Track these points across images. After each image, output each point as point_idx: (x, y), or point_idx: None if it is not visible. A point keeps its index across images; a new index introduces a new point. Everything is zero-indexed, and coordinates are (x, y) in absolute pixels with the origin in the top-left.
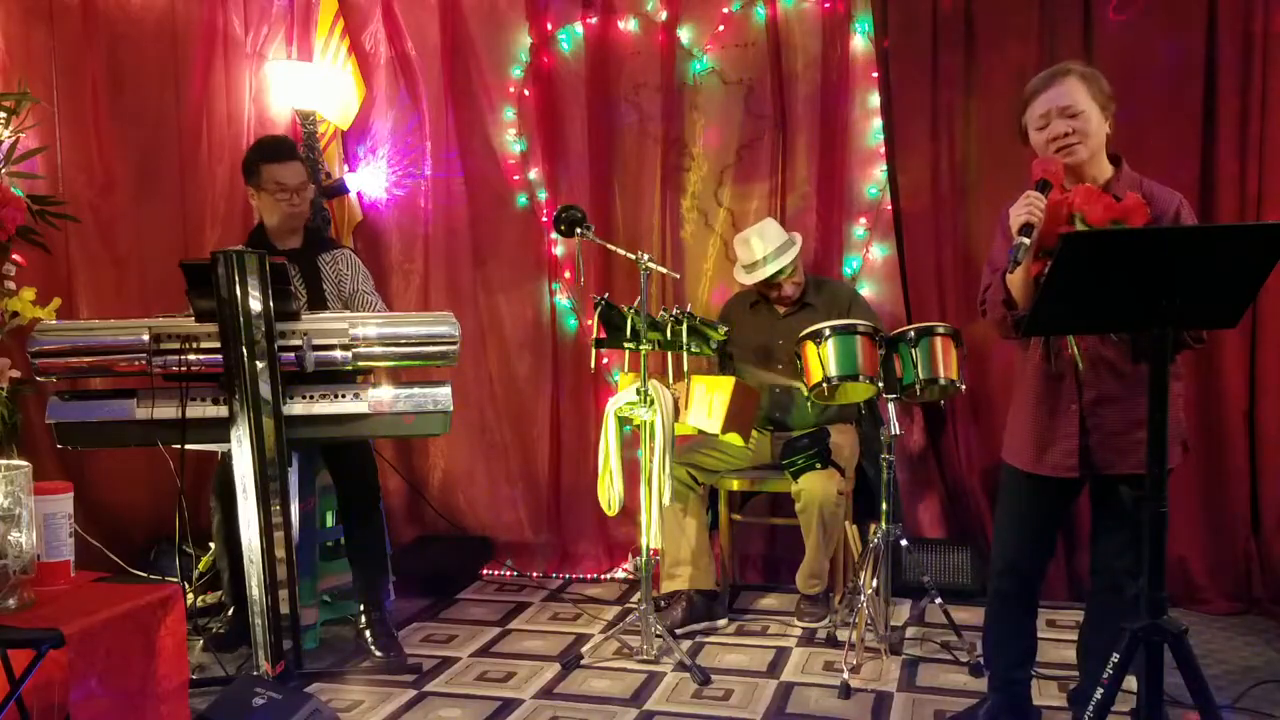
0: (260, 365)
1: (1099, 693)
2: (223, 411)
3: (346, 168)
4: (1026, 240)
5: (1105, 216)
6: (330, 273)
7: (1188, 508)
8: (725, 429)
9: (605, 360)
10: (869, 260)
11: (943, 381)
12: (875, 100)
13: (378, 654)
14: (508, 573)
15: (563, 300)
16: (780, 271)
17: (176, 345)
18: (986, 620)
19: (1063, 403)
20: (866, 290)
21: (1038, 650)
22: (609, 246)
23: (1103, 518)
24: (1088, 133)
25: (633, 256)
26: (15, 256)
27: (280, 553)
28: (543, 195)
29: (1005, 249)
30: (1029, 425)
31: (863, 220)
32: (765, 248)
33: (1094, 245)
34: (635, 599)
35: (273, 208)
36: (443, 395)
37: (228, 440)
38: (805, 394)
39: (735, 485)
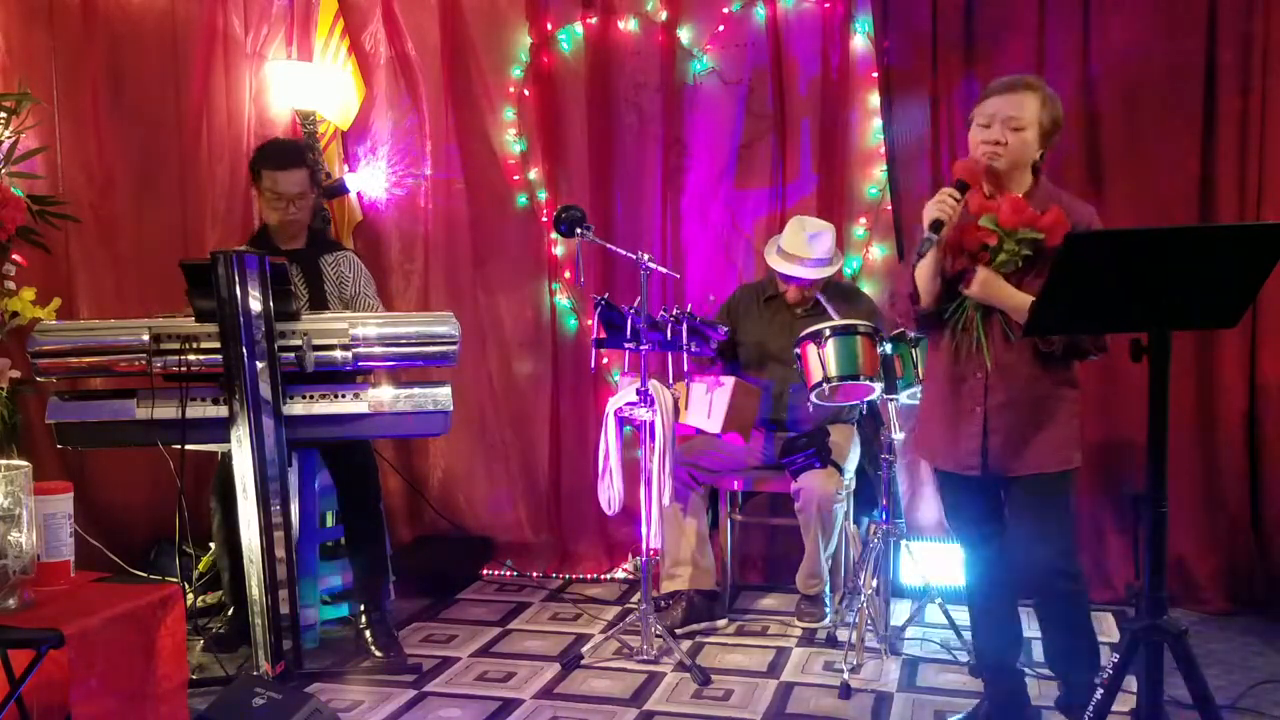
0: (260, 365)
1: (1099, 693)
2: (223, 411)
3: (346, 168)
4: (934, 236)
5: (1016, 221)
6: (332, 274)
7: (1188, 508)
8: (725, 429)
9: (605, 360)
10: (869, 260)
11: None
12: (875, 100)
13: (378, 654)
14: (508, 573)
15: (563, 300)
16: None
17: (176, 345)
18: (970, 617)
19: (967, 404)
20: (866, 290)
21: (1030, 646)
22: (609, 246)
23: (1018, 521)
24: (1017, 149)
25: (633, 256)
26: (15, 256)
27: (280, 553)
28: (543, 195)
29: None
30: (936, 424)
31: (863, 220)
32: (815, 251)
33: (1094, 246)
34: (635, 599)
35: (269, 213)
36: (443, 395)
37: (228, 440)
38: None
39: (735, 485)
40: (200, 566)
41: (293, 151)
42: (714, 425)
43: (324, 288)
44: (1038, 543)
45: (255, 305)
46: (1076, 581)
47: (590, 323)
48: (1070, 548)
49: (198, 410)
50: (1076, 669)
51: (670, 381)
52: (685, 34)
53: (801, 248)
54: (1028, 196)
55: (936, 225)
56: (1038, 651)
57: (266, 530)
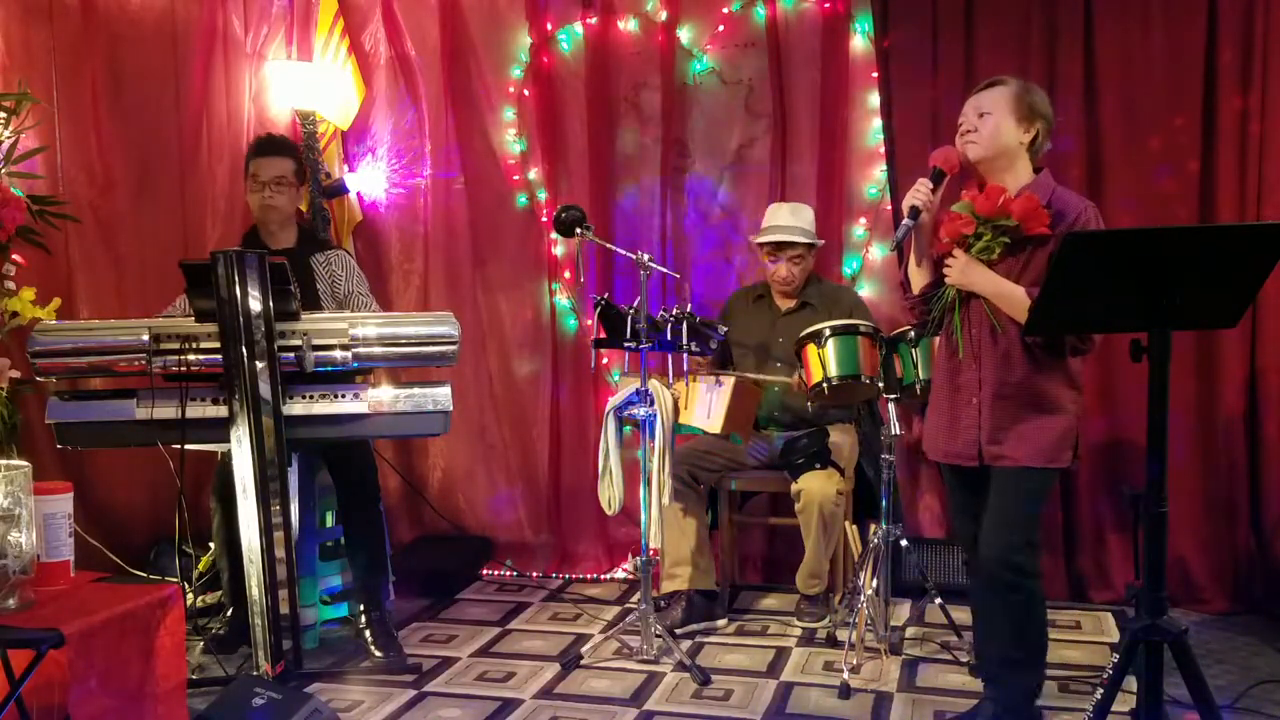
0: (260, 365)
1: (1099, 693)
2: (223, 411)
3: (346, 168)
4: (911, 222)
5: (992, 209)
6: (324, 273)
7: (1188, 508)
8: (725, 429)
9: (605, 360)
10: (869, 260)
11: None
12: (875, 100)
13: (378, 654)
14: (508, 573)
15: (563, 300)
16: (791, 245)
17: (176, 345)
18: (972, 616)
19: (964, 396)
20: (866, 290)
21: None
22: (609, 246)
23: (993, 509)
24: (988, 135)
25: (633, 256)
26: (15, 256)
27: (280, 553)
28: (543, 195)
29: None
30: (939, 417)
31: (863, 220)
32: (794, 220)
33: (1094, 245)
34: (635, 599)
35: (250, 201)
36: (442, 395)
37: (228, 440)
38: (803, 395)
39: (735, 485)
40: (200, 566)
41: (279, 141)
42: (714, 425)
43: (316, 287)
44: (993, 527)
45: (255, 305)
46: (1023, 576)
47: (590, 323)
48: (1023, 543)
49: (197, 410)
50: (1005, 673)
51: (670, 381)
52: (685, 34)
53: (784, 218)
54: (1025, 189)
55: (914, 212)
56: None
57: (266, 530)
